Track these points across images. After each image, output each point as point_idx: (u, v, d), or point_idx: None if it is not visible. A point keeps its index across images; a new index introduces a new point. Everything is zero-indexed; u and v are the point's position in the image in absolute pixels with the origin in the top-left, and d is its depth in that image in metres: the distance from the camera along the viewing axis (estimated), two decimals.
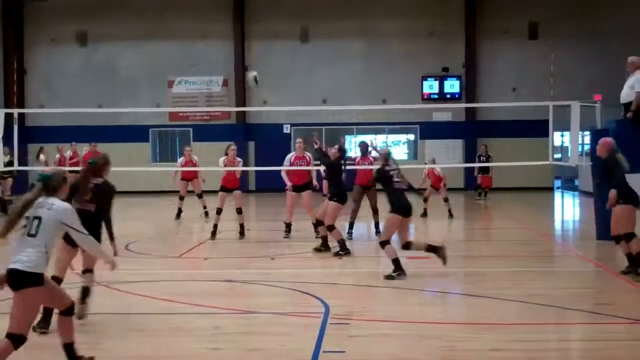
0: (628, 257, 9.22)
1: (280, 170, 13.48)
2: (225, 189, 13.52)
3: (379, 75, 26.87)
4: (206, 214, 17.02)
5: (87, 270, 7.09)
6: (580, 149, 17.78)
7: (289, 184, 13.22)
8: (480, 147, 23.70)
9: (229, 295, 8.81)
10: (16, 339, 5.06)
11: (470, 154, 25.87)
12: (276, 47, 27.48)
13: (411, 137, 27.88)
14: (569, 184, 26.97)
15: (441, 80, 27.14)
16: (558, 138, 25.62)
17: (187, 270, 10.77)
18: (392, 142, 27.85)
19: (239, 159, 13.83)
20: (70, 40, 27.96)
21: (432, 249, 9.67)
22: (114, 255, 6.56)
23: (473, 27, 26.97)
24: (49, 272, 5.89)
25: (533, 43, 26.96)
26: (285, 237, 13.37)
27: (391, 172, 9.86)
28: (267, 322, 7.20)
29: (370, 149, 13.38)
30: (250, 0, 27.58)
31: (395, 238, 9.60)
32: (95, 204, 6.90)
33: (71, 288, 6.69)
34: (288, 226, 13.52)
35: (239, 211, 13.50)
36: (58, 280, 6.66)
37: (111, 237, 6.98)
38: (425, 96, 27.01)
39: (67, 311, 5.46)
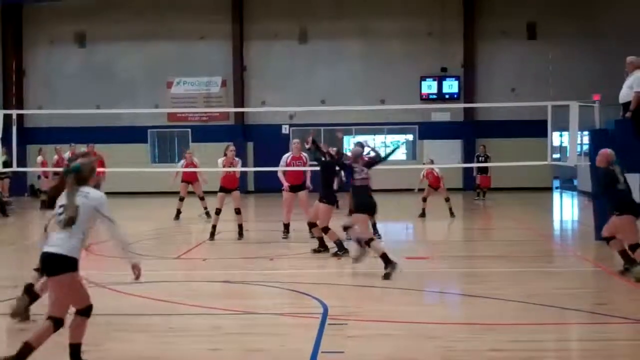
0: (621, 255, 9.25)
1: (275, 172, 13.55)
2: (224, 189, 13.54)
3: (378, 76, 26.88)
4: (207, 214, 17.01)
5: None
6: (579, 149, 17.79)
7: (285, 184, 13.25)
8: (479, 147, 23.75)
9: (227, 295, 8.82)
10: (56, 322, 5.33)
11: (469, 154, 25.91)
12: (275, 48, 27.49)
13: (410, 137, 27.90)
14: (568, 184, 26.97)
15: (440, 80, 27.15)
16: (557, 138, 25.60)
17: (186, 271, 10.76)
18: (391, 143, 27.88)
19: (237, 159, 13.83)
20: (69, 41, 27.97)
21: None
22: None
23: (472, 28, 27.00)
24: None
25: (532, 43, 26.99)
26: (283, 238, 13.39)
27: (355, 169, 10.06)
28: (265, 322, 7.20)
29: (367, 149, 13.38)
30: (248, 1, 27.59)
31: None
32: None
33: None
34: (286, 227, 13.56)
35: (238, 211, 13.54)
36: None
37: None
38: (424, 96, 27.03)
39: (85, 311, 5.51)
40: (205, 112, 27.48)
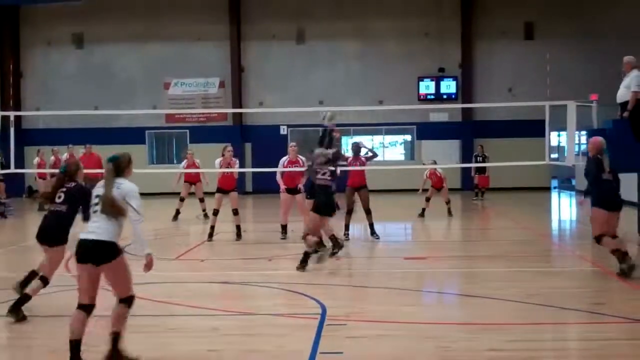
0: (613, 253, 9.30)
1: (275, 172, 13.53)
2: (222, 190, 13.55)
3: (376, 76, 26.90)
4: (205, 215, 17.01)
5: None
6: (576, 149, 17.75)
7: (282, 187, 13.28)
8: (476, 147, 23.77)
9: (226, 296, 8.83)
10: (127, 301, 5.69)
11: (467, 154, 25.92)
12: (272, 49, 27.48)
13: (408, 137, 27.91)
14: (566, 184, 27.01)
15: (437, 80, 27.16)
16: (555, 138, 25.63)
17: (184, 272, 10.75)
18: (389, 143, 27.91)
19: (235, 160, 13.82)
20: (67, 43, 27.95)
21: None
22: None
23: (469, 28, 27.02)
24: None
25: (529, 43, 27.00)
26: (282, 239, 13.40)
27: (317, 170, 10.26)
28: (264, 323, 7.20)
29: (365, 150, 13.40)
30: (246, 2, 27.58)
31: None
32: (67, 205, 7.38)
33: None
34: (284, 228, 13.59)
35: (235, 212, 13.56)
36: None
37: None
38: (422, 97, 27.04)
39: (127, 300, 5.72)
40: (203, 113, 27.48)
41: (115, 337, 5.67)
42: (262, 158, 23.17)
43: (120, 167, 5.80)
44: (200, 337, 6.62)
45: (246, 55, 27.63)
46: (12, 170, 13.84)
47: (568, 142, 13.62)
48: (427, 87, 27.12)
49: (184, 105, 27.56)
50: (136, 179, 6.00)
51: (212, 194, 14.15)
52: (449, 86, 27.14)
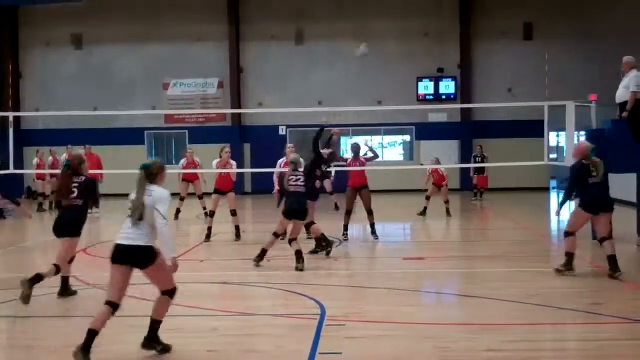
0: (608, 258, 9.31)
1: (272, 173, 13.57)
2: (219, 191, 13.55)
3: (374, 76, 26.89)
4: (206, 214, 16.99)
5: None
6: None
7: (277, 187, 13.32)
8: (475, 148, 23.79)
9: (225, 296, 8.83)
10: (169, 293, 6.05)
11: (465, 155, 25.93)
12: (271, 49, 27.48)
13: (407, 138, 27.91)
14: (565, 184, 26.93)
15: (436, 80, 27.17)
16: (553, 138, 25.61)
17: (183, 272, 10.68)
18: (388, 143, 27.90)
19: (232, 162, 13.81)
20: (66, 43, 27.95)
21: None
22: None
23: (468, 28, 27.03)
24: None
25: (528, 43, 27.02)
26: (281, 239, 13.35)
27: (290, 177, 10.48)
28: (263, 323, 7.21)
29: (365, 150, 13.40)
30: (244, 2, 27.58)
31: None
32: (82, 198, 7.97)
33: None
34: None
35: (233, 213, 13.57)
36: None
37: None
38: (421, 97, 27.05)
39: (170, 292, 6.06)
40: (202, 114, 27.49)
41: (156, 325, 6.05)
42: (261, 158, 23.16)
43: (152, 173, 5.97)
44: (200, 338, 6.62)
45: (245, 56, 27.63)
46: (11, 170, 13.84)
47: (567, 142, 13.64)
48: (426, 87, 27.14)
49: (182, 105, 27.57)
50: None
51: (210, 194, 14.15)
52: (447, 86, 27.15)
